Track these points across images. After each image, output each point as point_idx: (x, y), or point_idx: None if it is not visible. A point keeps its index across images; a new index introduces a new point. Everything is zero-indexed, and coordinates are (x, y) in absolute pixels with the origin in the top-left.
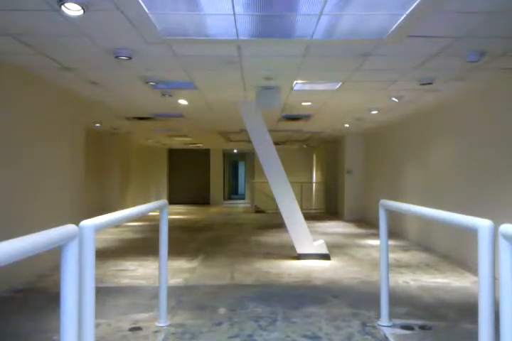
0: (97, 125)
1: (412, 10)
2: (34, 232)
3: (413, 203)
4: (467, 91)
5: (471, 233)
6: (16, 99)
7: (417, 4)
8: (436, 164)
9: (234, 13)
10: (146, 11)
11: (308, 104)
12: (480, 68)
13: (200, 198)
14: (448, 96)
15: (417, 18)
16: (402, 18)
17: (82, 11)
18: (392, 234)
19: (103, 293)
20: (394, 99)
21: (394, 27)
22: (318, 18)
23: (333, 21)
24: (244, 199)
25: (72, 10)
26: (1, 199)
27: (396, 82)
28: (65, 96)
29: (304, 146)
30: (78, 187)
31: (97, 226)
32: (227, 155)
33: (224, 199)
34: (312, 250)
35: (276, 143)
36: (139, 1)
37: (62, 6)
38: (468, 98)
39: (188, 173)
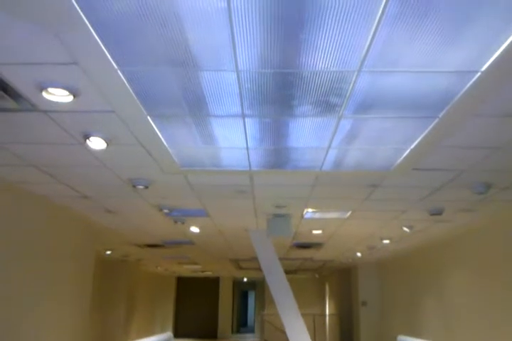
0: (108, 252)
1: (416, 145)
2: None
3: (433, 337)
4: (477, 222)
5: None
6: (31, 225)
7: (420, 140)
8: (453, 296)
9: (247, 147)
10: (166, 145)
11: (319, 232)
12: (488, 200)
13: (208, 330)
14: (458, 227)
15: (421, 152)
16: (407, 152)
17: (105, 145)
18: None
19: None
20: (405, 228)
21: (399, 160)
22: (327, 152)
23: (341, 154)
24: (253, 332)
25: (96, 144)
26: (6, 335)
27: (406, 212)
28: (79, 223)
29: (316, 276)
30: (83, 317)
31: None
32: (236, 284)
33: (232, 332)
34: None
35: (287, 272)
36: (159, 137)
37: (87, 140)
38: (479, 229)
39: (196, 303)
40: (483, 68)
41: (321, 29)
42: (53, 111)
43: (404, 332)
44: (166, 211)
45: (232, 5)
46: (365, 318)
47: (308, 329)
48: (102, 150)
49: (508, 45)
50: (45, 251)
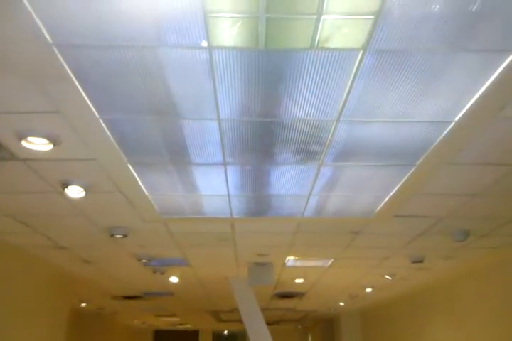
0: (83, 305)
1: (395, 192)
2: None
3: None
4: (457, 269)
5: None
6: (2, 275)
7: (399, 187)
8: None
9: (228, 195)
10: (146, 193)
11: (301, 280)
12: (467, 247)
13: None
14: (439, 274)
15: (401, 199)
16: (387, 199)
17: (84, 193)
18: None
19: None
20: (387, 276)
21: (380, 207)
22: (308, 199)
23: (322, 201)
24: None
25: (74, 192)
26: None
27: (388, 259)
28: (54, 273)
29: (299, 326)
30: None
31: None
32: (216, 337)
33: None
34: None
35: (268, 323)
36: (140, 185)
37: (66, 189)
38: (459, 277)
39: None
40: (457, 118)
41: (301, 82)
42: (32, 159)
43: None
44: (144, 261)
45: (214, 57)
46: None
47: None
48: (81, 198)
49: (481, 94)
50: (14, 302)
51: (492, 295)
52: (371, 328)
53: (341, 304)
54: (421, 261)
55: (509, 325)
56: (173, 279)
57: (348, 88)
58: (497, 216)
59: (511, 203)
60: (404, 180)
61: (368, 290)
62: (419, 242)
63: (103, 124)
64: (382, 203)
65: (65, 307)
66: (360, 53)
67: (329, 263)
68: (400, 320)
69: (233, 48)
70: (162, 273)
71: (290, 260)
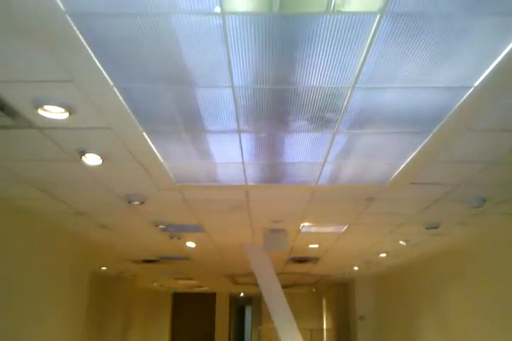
0: (103, 268)
1: (411, 159)
2: None
3: None
4: (473, 235)
5: None
6: (24, 241)
7: (415, 155)
8: (450, 310)
9: (243, 162)
10: (161, 160)
11: (316, 246)
12: (483, 213)
13: None
14: (455, 241)
15: (417, 166)
16: (402, 166)
17: (100, 161)
18: None
19: None
20: (402, 242)
21: (395, 174)
22: (323, 166)
23: (337, 169)
24: None
25: (92, 160)
26: None
27: (402, 226)
28: (74, 239)
29: (313, 290)
30: (77, 335)
31: None
32: (233, 299)
33: None
34: None
35: (284, 287)
36: (155, 153)
37: (83, 157)
38: (476, 242)
39: (192, 318)
40: (476, 83)
41: (315, 47)
42: (49, 127)
43: None
44: (161, 227)
45: (227, 22)
46: (362, 333)
47: None
48: (98, 166)
49: (501, 60)
50: (38, 267)
51: (507, 260)
52: (385, 292)
53: (355, 269)
54: (436, 228)
55: None
56: (190, 244)
57: (364, 54)
58: None
59: None
60: (420, 147)
61: (382, 255)
62: (435, 209)
63: (117, 93)
64: (398, 170)
65: (86, 271)
66: (378, 17)
67: (344, 229)
68: (414, 286)
69: (247, 13)
70: (179, 239)
71: (305, 226)
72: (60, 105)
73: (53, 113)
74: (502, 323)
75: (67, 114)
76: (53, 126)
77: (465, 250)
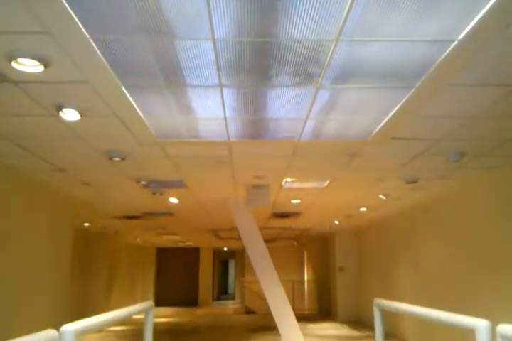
0: (86, 225)
1: (393, 114)
2: (11, 338)
3: (408, 301)
4: (452, 189)
5: (471, 333)
6: (2, 197)
7: (397, 109)
8: (427, 261)
9: (225, 118)
10: (142, 116)
11: (298, 201)
12: (462, 167)
13: (188, 299)
14: (434, 194)
15: (399, 121)
16: (385, 121)
17: (79, 116)
18: (389, 334)
19: None
20: (381, 196)
21: (377, 129)
22: (305, 122)
23: (319, 124)
24: (234, 299)
25: (70, 115)
26: None
27: (382, 181)
28: (56, 196)
29: (295, 244)
30: (61, 289)
31: (79, 331)
32: (216, 253)
33: (213, 299)
34: None
35: (266, 241)
36: (135, 108)
37: (60, 112)
38: (454, 195)
39: (176, 273)
40: (460, 37)
41: None
42: (24, 81)
43: (380, 295)
44: (143, 183)
45: None
46: (342, 283)
47: (287, 295)
48: (76, 121)
49: (485, 13)
50: (19, 223)
51: (483, 212)
52: (364, 245)
53: (336, 223)
54: (415, 182)
55: (495, 239)
56: (173, 200)
57: (348, 5)
58: (493, 137)
59: (507, 125)
60: (403, 102)
61: (363, 209)
62: (415, 164)
63: (94, 45)
64: (380, 126)
65: (67, 227)
66: None
67: (325, 185)
68: (393, 238)
69: None
70: (161, 195)
71: (287, 182)
72: (35, 58)
73: (28, 66)
74: (476, 273)
75: (42, 68)
76: (28, 79)
77: (443, 203)
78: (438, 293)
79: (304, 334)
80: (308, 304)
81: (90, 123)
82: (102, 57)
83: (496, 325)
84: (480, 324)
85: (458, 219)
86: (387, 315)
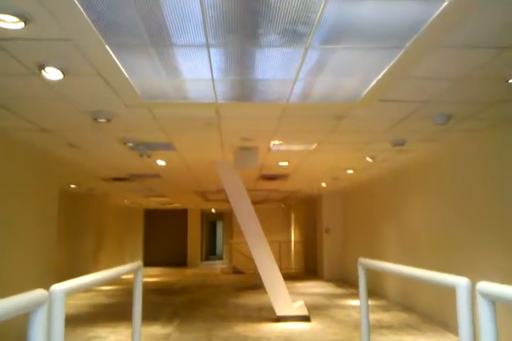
0: (73, 186)
1: (382, 76)
2: None
3: (392, 260)
4: (438, 151)
5: (451, 292)
6: None
7: (386, 71)
8: (412, 222)
9: (213, 79)
10: (127, 76)
11: (285, 163)
12: (448, 130)
13: (177, 259)
14: (420, 157)
15: (387, 83)
16: (373, 83)
17: (61, 76)
18: (372, 292)
19: None
20: (368, 159)
21: (365, 92)
22: (294, 83)
23: (308, 86)
24: (222, 259)
25: (52, 74)
26: None
27: (370, 143)
28: (40, 156)
29: (282, 205)
30: (49, 249)
31: (68, 291)
32: (205, 215)
33: (201, 260)
34: (292, 312)
35: (254, 203)
36: (119, 68)
37: (43, 71)
38: (440, 158)
39: (165, 234)
40: None
41: None
42: (4, 39)
43: (365, 255)
44: (130, 145)
45: None
46: (328, 244)
47: (274, 255)
48: (59, 81)
49: None
50: (4, 183)
51: (467, 174)
52: (350, 207)
53: (323, 185)
54: (402, 144)
55: (478, 200)
56: (160, 162)
57: None
58: (479, 100)
59: (494, 87)
60: (392, 63)
61: (349, 172)
62: (402, 126)
63: (76, 1)
64: (369, 87)
65: (53, 189)
66: None
67: (313, 147)
68: (378, 200)
69: None
70: (149, 157)
71: (275, 144)
72: (14, 14)
73: (7, 22)
74: (457, 232)
75: (22, 24)
76: (8, 36)
77: (430, 165)
78: (421, 253)
79: (291, 293)
80: (294, 264)
81: (74, 83)
82: (84, 13)
83: (476, 282)
84: (460, 282)
85: (442, 181)
86: (371, 274)
